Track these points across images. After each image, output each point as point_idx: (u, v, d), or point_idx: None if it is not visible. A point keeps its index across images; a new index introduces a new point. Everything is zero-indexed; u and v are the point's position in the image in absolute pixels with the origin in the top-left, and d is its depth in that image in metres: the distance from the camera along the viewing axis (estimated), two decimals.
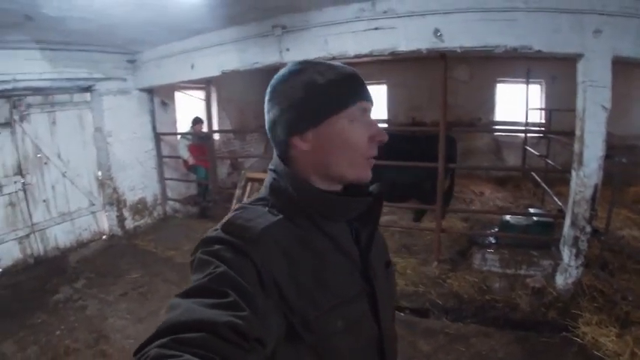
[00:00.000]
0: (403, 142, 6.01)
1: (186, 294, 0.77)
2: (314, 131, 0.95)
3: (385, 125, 9.44)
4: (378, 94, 9.98)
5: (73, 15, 4.08)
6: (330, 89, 0.95)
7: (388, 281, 1.14)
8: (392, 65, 9.01)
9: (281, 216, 0.92)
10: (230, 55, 5.49)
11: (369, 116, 1.01)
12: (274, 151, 1.03)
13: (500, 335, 3.71)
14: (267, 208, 0.95)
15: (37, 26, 4.31)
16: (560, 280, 4.13)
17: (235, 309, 0.73)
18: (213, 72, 5.77)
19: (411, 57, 5.15)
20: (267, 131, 1.01)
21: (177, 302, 0.75)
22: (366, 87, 1.02)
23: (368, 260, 1.03)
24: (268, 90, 0.99)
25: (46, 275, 5.52)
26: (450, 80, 7.95)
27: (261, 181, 6.02)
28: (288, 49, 5.00)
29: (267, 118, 1.00)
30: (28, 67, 5.31)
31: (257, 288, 0.81)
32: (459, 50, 4.07)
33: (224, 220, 0.92)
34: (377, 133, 0.99)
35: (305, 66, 0.98)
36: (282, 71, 1.00)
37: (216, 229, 0.90)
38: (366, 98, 1.00)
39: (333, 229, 0.98)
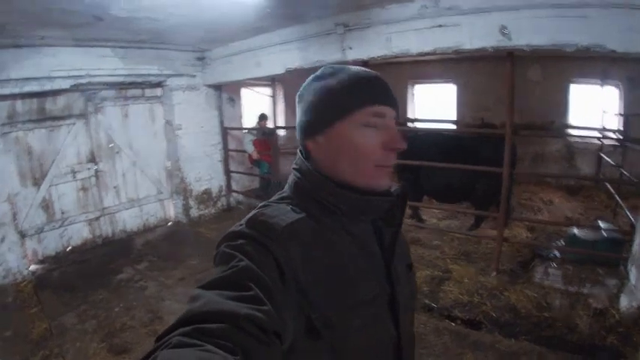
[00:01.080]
0: (451, 143, 5.81)
1: (209, 285, 0.78)
2: (323, 136, 0.96)
3: (450, 125, 9.14)
4: (447, 94, 9.71)
5: (140, 15, 4.26)
6: (337, 94, 0.95)
7: (409, 284, 1.12)
8: (460, 64, 8.70)
9: (304, 214, 0.93)
10: (293, 53, 5.54)
11: (386, 121, 0.96)
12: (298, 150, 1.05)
13: (553, 357, 3.42)
14: (290, 207, 0.95)
15: (108, 26, 4.54)
16: (624, 302, 3.77)
17: (256, 302, 0.74)
18: (278, 70, 5.85)
19: (480, 56, 4.93)
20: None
21: (199, 293, 0.76)
22: (384, 90, 0.98)
23: (391, 262, 1.02)
24: (298, 95, 1.04)
25: (111, 255, 5.94)
26: (522, 81, 7.57)
27: None
28: (350, 48, 4.96)
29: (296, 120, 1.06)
30: (101, 63, 5.71)
31: (278, 283, 0.82)
32: (526, 49, 3.82)
33: (248, 216, 0.93)
34: (391, 140, 0.95)
35: (330, 70, 0.99)
36: (309, 78, 1.03)
37: (241, 225, 0.91)
38: (383, 102, 0.96)
39: (357, 229, 0.98)
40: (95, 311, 4.48)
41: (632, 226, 4.36)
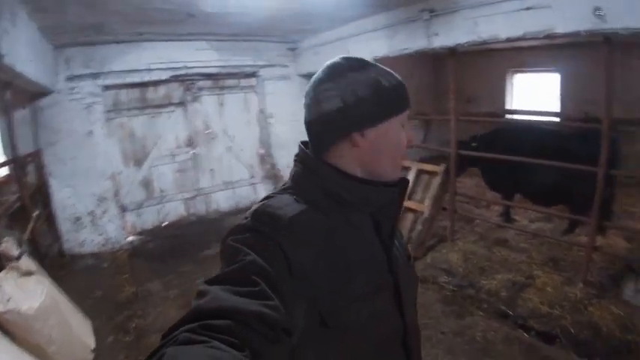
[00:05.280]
0: (548, 139, 5.21)
1: (216, 280, 0.80)
2: (373, 130, 0.97)
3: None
4: (549, 83, 8.67)
5: (230, 11, 4.48)
6: (392, 93, 0.98)
7: (410, 275, 1.14)
8: (565, 51, 7.73)
9: (306, 205, 0.94)
10: (380, 41, 5.45)
11: (408, 122, 1.06)
12: (309, 141, 1.06)
13: None
14: (293, 197, 0.96)
15: (201, 21, 4.87)
16: None
17: (263, 298, 0.75)
18: (366, 58, 5.77)
19: (588, 42, 4.38)
20: (313, 121, 1.02)
21: (206, 289, 0.77)
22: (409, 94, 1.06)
23: (391, 252, 1.03)
24: (324, 80, 0.99)
25: (202, 233, 6.37)
26: (628, 70, 6.55)
27: (431, 173, 5.40)
28: (436, 34, 4.74)
29: (318, 107, 0.99)
30: (198, 55, 6.19)
31: (285, 277, 0.82)
32: (624, 32, 3.31)
33: (253, 209, 0.94)
34: (410, 138, 1.06)
35: (363, 64, 1.00)
36: (336, 65, 1.01)
37: (246, 218, 0.92)
38: (410, 105, 1.05)
39: (358, 220, 0.99)
40: (179, 281, 4.89)
41: None
